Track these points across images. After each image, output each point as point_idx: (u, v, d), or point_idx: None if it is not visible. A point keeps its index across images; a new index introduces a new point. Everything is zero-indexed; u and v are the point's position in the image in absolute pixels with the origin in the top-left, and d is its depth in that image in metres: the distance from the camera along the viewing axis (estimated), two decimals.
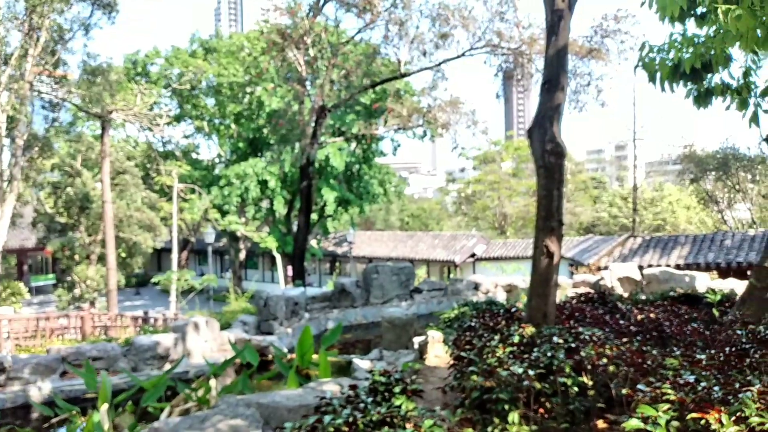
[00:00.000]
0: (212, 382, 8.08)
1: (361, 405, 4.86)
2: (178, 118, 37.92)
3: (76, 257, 28.51)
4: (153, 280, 30.48)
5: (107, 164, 24.36)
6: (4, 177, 20.74)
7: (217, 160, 39.58)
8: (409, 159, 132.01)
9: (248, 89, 33.11)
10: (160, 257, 46.10)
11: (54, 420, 8.08)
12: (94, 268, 28.13)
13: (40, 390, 8.74)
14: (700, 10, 6.07)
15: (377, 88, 26.41)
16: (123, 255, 29.39)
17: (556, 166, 7.56)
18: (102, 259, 26.93)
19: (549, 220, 7.50)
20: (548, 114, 7.63)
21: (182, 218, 33.98)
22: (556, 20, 7.69)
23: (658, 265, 18.29)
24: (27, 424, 8.38)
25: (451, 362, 6.46)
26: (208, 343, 10.91)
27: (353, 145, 33.61)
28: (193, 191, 32.94)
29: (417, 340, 9.46)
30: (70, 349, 9.74)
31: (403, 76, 22.72)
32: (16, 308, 24.83)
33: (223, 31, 41.39)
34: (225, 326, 12.43)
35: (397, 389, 5.32)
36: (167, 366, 9.86)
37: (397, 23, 20.89)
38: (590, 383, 5.42)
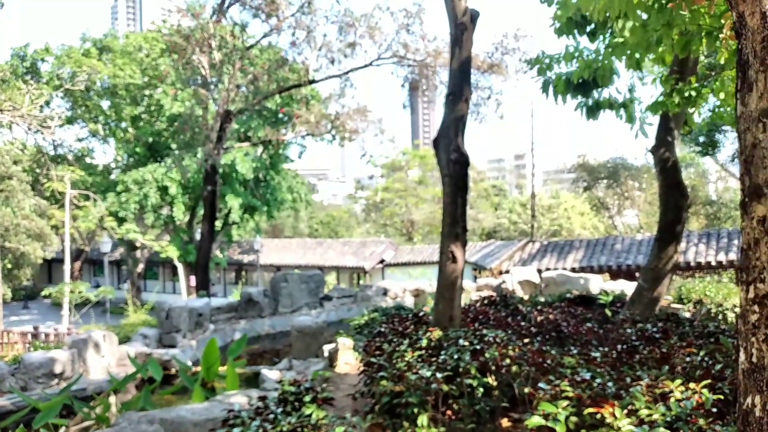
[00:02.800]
0: (112, 399, 7.67)
1: (271, 416, 4.80)
2: (70, 120, 35.63)
3: None
4: (43, 292, 28.44)
5: None
6: None
7: (113, 165, 37.56)
8: (318, 166, 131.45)
9: (147, 92, 31.76)
10: (51, 268, 43.16)
11: None
12: None
13: None
14: (590, 27, 6.52)
15: (284, 94, 26.17)
16: (9, 266, 27.24)
17: (461, 174, 7.82)
18: None
19: (454, 226, 7.73)
20: (453, 124, 7.89)
21: (75, 227, 31.96)
22: (460, 34, 7.97)
23: (556, 269, 19.30)
24: None
25: (362, 368, 6.50)
26: (106, 358, 10.34)
27: (260, 150, 33.03)
28: (87, 198, 31.07)
29: (327, 348, 9.43)
30: None
31: (311, 83, 22.66)
32: None
33: (120, 30, 39.53)
34: (124, 340, 11.84)
35: (307, 398, 5.29)
36: (62, 384, 9.24)
37: (303, 29, 20.83)
38: (495, 383, 5.63)
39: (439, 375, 5.37)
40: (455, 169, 7.78)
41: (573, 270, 19.02)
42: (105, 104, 34.54)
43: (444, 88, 14.31)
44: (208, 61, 21.39)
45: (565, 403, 4.24)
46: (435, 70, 21.35)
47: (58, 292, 25.92)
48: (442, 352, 6.17)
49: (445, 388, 5.37)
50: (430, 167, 48.07)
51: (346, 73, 22.04)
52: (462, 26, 8.00)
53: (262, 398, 5.29)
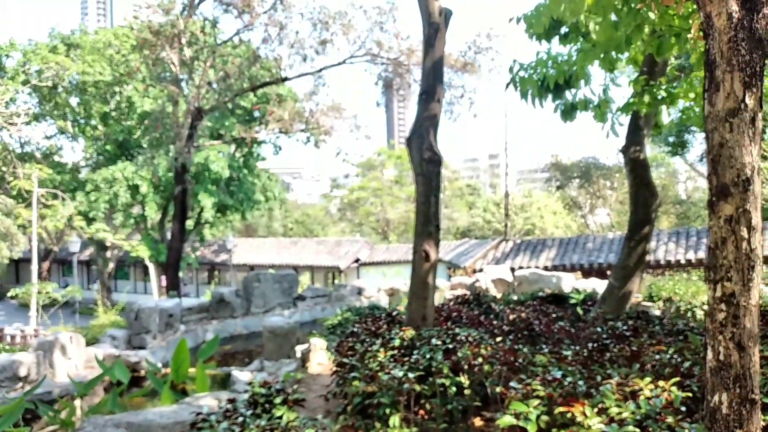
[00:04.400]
0: (77, 403, 7.49)
1: (240, 419, 4.72)
2: (38, 117, 34.83)
3: None
4: (10, 293, 27.74)
5: None
6: None
7: (82, 164, 36.84)
8: (292, 164, 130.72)
9: (117, 89, 31.20)
10: (18, 268, 42.20)
11: None
12: None
13: None
14: (563, 29, 6.55)
15: (259, 92, 25.93)
16: None
17: (434, 173, 7.81)
18: None
19: (427, 225, 7.72)
20: (425, 124, 7.87)
21: (43, 226, 31.27)
22: (433, 33, 7.95)
23: (528, 267, 19.46)
24: None
25: (334, 369, 6.44)
26: (73, 360, 10.10)
27: (233, 148, 32.70)
28: (55, 197, 30.41)
29: (299, 349, 9.34)
30: None
31: (284, 80, 22.48)
32: None
33: (91, 26, 38.80)
34: (92, 341, 11.59)
35: (277, 400, 5.21)
36: (26, 387, 8.99)
37: (276, 26, 20.65)
38: (467, 383, 5.61)
39: (411, 375, 5.34)
40: (428, 168, 7.76)
41: (546, 268, 19.20)
42: (74, 101, 33.86)
43: (418, 86, 14.36)
44: (178, 58, 21.09)
45: (536, 402, 4.24)
46: (409, 69, 21.36)
47: (25, 293, 25.33)
48: (415, 352, 6.14)
49: (418, 387, 5.34)
50: (406, 167, 48.13)
51: (320, 70, 21.94)
52: (435, 25, 7.99)
53: (232, 400, 5.20)
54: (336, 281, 32.37)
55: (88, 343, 11.11)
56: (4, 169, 33.16)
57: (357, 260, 33.61)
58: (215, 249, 38.58)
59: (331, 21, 20.46)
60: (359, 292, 16.18)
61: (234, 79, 22.40)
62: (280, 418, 4.75)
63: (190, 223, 29.77)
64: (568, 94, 6.60)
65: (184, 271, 33.17)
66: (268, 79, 22.58)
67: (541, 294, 11.68)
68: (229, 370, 9.38)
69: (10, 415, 7.31)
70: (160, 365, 9.74)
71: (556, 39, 6.70)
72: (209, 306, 14.59)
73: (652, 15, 5.16)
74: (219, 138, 29.19)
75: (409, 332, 6.96)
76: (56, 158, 36.48)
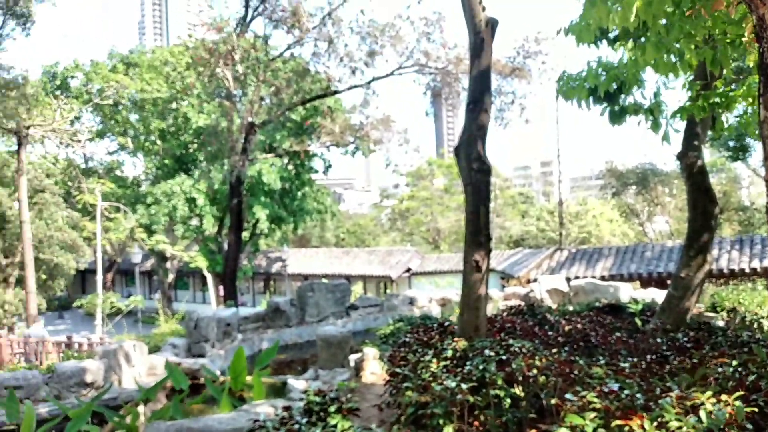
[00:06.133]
0: (141, 408, 7.78)
1: (296, 426, 4.81)
2: (100, 134, 36.54)
3: None
4: (76, 303, 29.08)
5: (24, 182, 23.24)
6: None
7: (142, 178, 38.33)
8: (343, 175, 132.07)
9: (173, 105, 32.37)
10: (84, 279, 44.06)
11: None
12: (12, 292, 26.64)
13: None
14: (613, 34, 6.46)
15: (309, 105, 26.41)
16: (44, 277, 27.95)
17: (483, 183, 7.78)
18: (21, 281, 25.55)
19: (477, 235, 7.69)
20: (474, 133, 7.86)
21: (107, 238, 32.64)
22: (479, 43, 7.95)
23: (585, 277, 19.04)
24: None
25: (387, 379, 6.49)
26: (136, 367, 10.50)
27: (285, 161, 33.37)
28: (117, 210, 31.73)
29: (353, 358, 9.44)
30: None
31: (334, 93, 22.84)
32: None
33: (148, 45, 40.43)
34: (154, 349, 12.00)
35: (332, 408, 5.29)
36: (94, 393, 9.41)
37: (326, 40, 21.02)
38: (522, 394, 5.56)
39: (464, 386, 5.33)
40: (477, 178, 7.75)
41: (602, 278, 18.75)
42: (133, 118, 35.29)
43: (466, 94, 14.43)
44: (232, 74, 21.71)
45: (592, 414, 4.18)
46: (457, 77, 21.35)
47: (91, 303, 26.48)
48: (468, 363, 6.12)
49: (471, 399, 5.32)
50: (456, 176, 47.95)
51: (369, 82, 22.17)
52: (481, 35, 7.99)
53: (287, 408, 5.31)
54: (387, 291, 32.46)
55: (150, 351, 11.50)
56: (70, 184, 34.87)
57: (408, 270, 33.62)
58: (270, 259, 39.34)
59: (380, 33, 20.69)
60: (411, 302, 16.19)
61: (285, 94, 22.91)
62: (335, 426, 4.83)
63: (245, 235, 30.48)
64: (619, 98, 6.50)
65: (241, 280, 33.95)
66: (318, 93, 22.99)
67: (597, 304, 11.43)
68: (284, 378, 9.56)
69: (80, 419, 7.68)
70: (218, 373, 10.01)
71: (605, 43, 6.62)
72: (265, 315, 14.89)
73: (702, 21, 5.05)
74: (272, 151, 29.85)
75: (462, 343, 6.95)
76: (118, 173, 38.11)
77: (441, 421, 5.13)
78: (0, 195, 27.41)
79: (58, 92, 33.55)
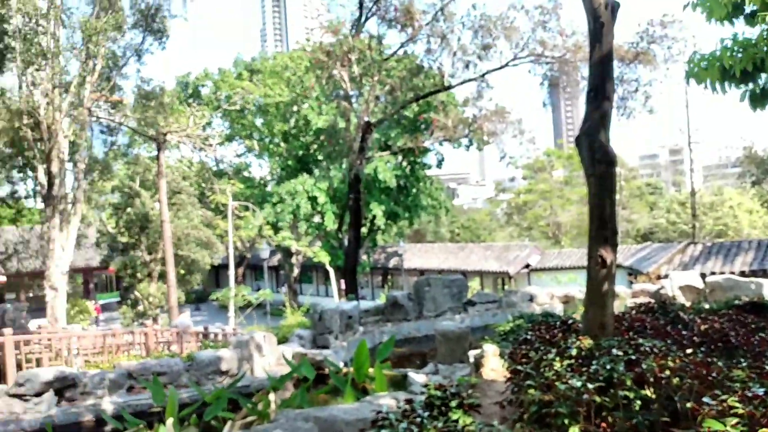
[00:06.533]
0: (271, 396, 8.23)
1: (418, 419, 4.88)
2: (229, 138, 39.05)
3: (138, 275, 29.57)
4: (212, 296, 31.28)
5: (164, 184, 25.23)
6: (69, 199, 21.75)
7: (268, 178, 40.44)
8: (457, 170, 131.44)
9: (294, 108, 33.80)
10: (217, 274, 47.17)
11: None
12: (156, 285, 29.07)
13: (111, 404, 9.10)
14: (749, 8, 5.89)
15: (422, 101, 26.55)
16: (182, 272, 30.24)
17: (607, 174, 7.43)
18: (162, 276, 27.81)
19: (602, 229, 7.37)
20: (595, 122, 7.52)
21: (237, 235, 34.78)
22: (599, 28, 7.59)
23: (722, 273, 17.61)
24: None
25: (508, 376, 6.41)
26: (266, 357, 11.12)
27: (400, 158, 33.80)
28: (246, 209, 33.71)
29: (472, 354, 9.40)
30: (135, 364, 10.10)
31: (447, 88, 22.75)
32: (84, 325, 25.88)
33: (269, 50, 42.60)
34: (282, 340, 12.63)
35: (453, 403, 5.32)
36: (228, 380, 10.09)
37: (439, 36, 21.00)
38: (653, 396, 5.28)
39: (590, 385, 5.15)
40: (600, 169, 7.41)
41: (742, 274, 17.23)
42: (258, 122, 37.32)
43: (586, 83, 13.87)
44: (348, 75, 22.29)
45: (734, 420, 3.89)
46: (576, 66, 20.51)
47: (224, 296, 28.32)
48: (594, 362, 5.90)
49: (598, 399, 5.13)
50: (576, 167, 46.12)
51: (482, 75, 21.89)
52: (601, 20, 7.62)
53: (409, 401, 5.40)
54: (505, 287, 31.92)
55: (279, 342, 12.13)
56: (203, 185, 37.51)
57: (527, 266, 32.83)
58: (388, 254, 40.06)
59: (493, 26, 20.34)
60: (531, 298, 15.82)
61: (399, 92, 23.18)
62: (456, 421, 4.85)
63: (363, 230, 31.25)
64: (759, 79, 5.92)
65: (360, 275, 34.92)
66: (431, 89, 23.03)
67: (737, 302, 10.54)
68: (405, 371, 9.71)
69: (217, 405, 8.28)
70: (341, 364, 10.36)
71: (740, 20, 6.06)
72: (384, 309, 15.21)
73: None
74: (387, 149, 30.34)
75: (587, 341, 6.70)
76: (246, 174, 40.48)
77: (566, 421, 4.99)
78: (143, 197, 30.06)
79: (190, 100, 36.24)
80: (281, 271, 43.18)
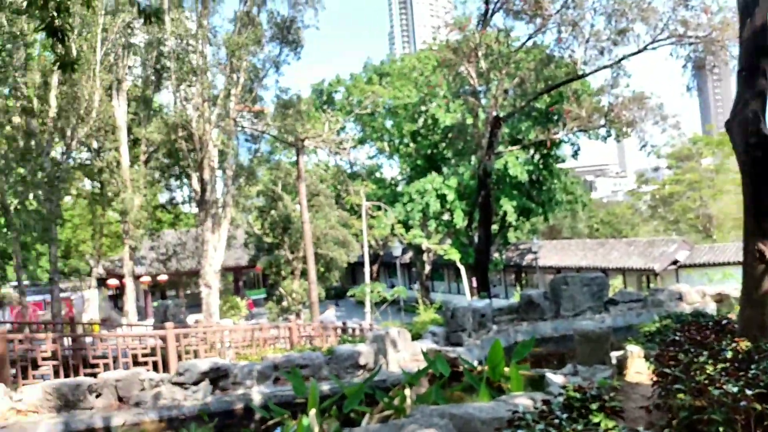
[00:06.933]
0: (407, 391, 8.40)
1: (556, 421, 4.76)
2: (361, 141, 40.36)
3: (282, 273, 31.47)
4: (349, 292, 32.45)
5: (303, 188, 26.53)
6: (219, 204, 23.63)
7: (399, 178, 41.21)
8: (594, 161, 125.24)
9: (422, 108, 34.11)
10: (354, 271, 48.72)
11: (270, 422, 8.99)
12: (298, 282, 30.73)
13: (258, 394, 9.79)
14: None
15: (553, 92, 25.64)
16: (322, 270, 31.69)
17: (762, 160, 6.75)
18: (304, 273, 29.27)
19: (761, 220, 6.71)
20: (749, 104, 6.86)
21: (371, 234, 35.78)
22: (750, 0, 6.91)
23: None
24: (249, 425, 9.43)
25: (654, 379, 6.06)
26: (401, 353, 11.36)
27: (531, 152, 32.93)
28: (379, 208, 34.60)
29: (615, 355, 8.97)
30: (281, 357, 10.75)
31: (580, 77, 21.79)
32: (235, 320, 27.98)
33: (397, 52, 43.47)
34: (416, 337, 12.81)
35: (594, 406, 5.12)
36: (365, 374, 10.44)
37: (569, 24, 20.17)
38: None
39: (749, 391, 4.73)
40: (756, 155, 6.74)
41: None
42: (388, 124, 38.18)
43: (737, 63, 12.62)
44: (475, 71, 22.08)
45: None
46: (723, 45, 18.71)
47: (360, 292, 29.25)
48: (752, 366, 5.41)
49: (758, 407, 4.70)
50: (728, 153, 42.19)
51: (618, 61, 20.70)
52: None
53: (546, 402, 5.28)
54: (651, 285, 29.95)
55: (413, 338, 12.32)
56: (339, 187, 39.02)
57: (675, 262, 30.58)
58: (520, 251, 39.19)
59: (628, 9, 19.18)
60: (679, 297, 14.75)
61: (529, 84, 22.58)
62: (598, 425, 4.68)
63: (494, 227, 30.84)
64: None
65: (492, 273, 34.50)
66: (563, 78, 22.19)
67: None
68: (542, 372, 9.49)
69: (355, 397, 8.61)
70: (475, 362, 10.34)
71: None
72: (518, 307, 14.93)
73: None
74: (517, 143, 29.69)
75: (744, 344, 6.15)
76: (377, 175, 41.58)
77: (721, 429, 4.63)
78: (285, 200, 31.89)
79: (325, 106, 37.90)
80: (413, 269, 43.78)
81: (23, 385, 10.00)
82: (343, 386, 9.14)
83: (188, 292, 42.92)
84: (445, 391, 8.88)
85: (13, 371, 11.00)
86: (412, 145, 36.91)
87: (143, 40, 25.84)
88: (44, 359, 11.40)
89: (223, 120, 23.04)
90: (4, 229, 22.93)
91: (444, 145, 34.11)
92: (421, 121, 34.83)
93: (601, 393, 5.50)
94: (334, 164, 41.46)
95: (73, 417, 8.61)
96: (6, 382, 9.73)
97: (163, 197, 33.16)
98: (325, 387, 9.81)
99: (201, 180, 22.94)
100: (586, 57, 20.77)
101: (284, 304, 30.30)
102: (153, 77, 27.47)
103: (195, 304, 28.66)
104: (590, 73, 21.46)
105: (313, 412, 8.18)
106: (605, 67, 20.93)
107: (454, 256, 33.94)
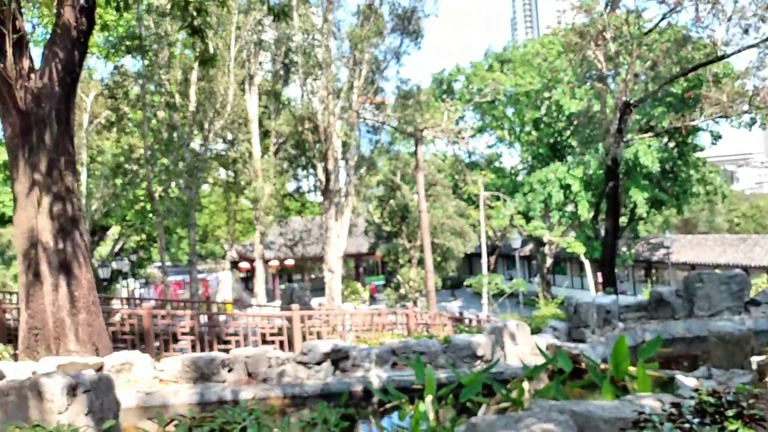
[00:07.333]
0: (526, 385, 8.28)
1: (686, 425, 4.51)
2: (480, 130, 39.87)
3: (400, 261, 32.03)
4: (465, 282, 32.40)
5: (421, 177, 26.78)
6: (342, 193, 24.46)
7: (519, 167, 40.31)
8: (737, 150, 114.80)
9: (546, 94, 33.05)
10: (471, 261, 48.52)
11: (388, 405, 9.24)
12: (415, 271, 31.15)
13: (376, 378, 10.08)
14: None
15: (690, 75, 23.77)
16: (438, 259, 31.88)
17: None
18: (421, 262, 29.63)
19: None
20: None
21: (489, 225, 35.39)
22: None
23: None
24: (368, 407, 9.75)
25: None
26: (519, 346, 11.20)
27: (665, 140, 30.84)
28: (497, 198, 34.10)
29: (755, 360, 8.25)
30: (398, 343, 10.99)
31: (721, 58, 20.03)
32: (355, 305, 28.93)
33: (519, 38, 42.44)
34: (535, 331, 12.57)
35: (730, 413, 4.78)
36: (480, 365, 10.41)
37: (709, 1, 18.57)
38: None
39: None
40: None
41: None
42: (509, 112, 37.43)
43: None
44: (603, 54, 21.02)
45: None
46: None
47: (477, 283, 29.12)
48: None
49: None
50: None
51: (765, 40, 18.78)
52: None
53: (676, 405, 5.00)
54: None
55: (532, 332, 12.08)
56: (456, 177, 38.93)
57: None
58: (651, 246, 36.94)
59: None
60: None
61: (663, 67, 21.14)
62: None
63: (623, 220, 29.33)
64: None
65: (619, 268, 32.87)
66: (701, 60, 20.54)
67: None
68: (672, 373, 8.95)
69: (472, 387, 8.61)
70: (598, 360, 9.95)
71: None
72: (647, 305, 14.11)
73: None
74: (649, 130, 27.96)
75: None
76: (497, 164, 40.97)
77: None
78: (404, 189, 32.34)
79: (444, 96, 37.82)
80: (533, 261, 42.73)
81: (165, 356, 10.99)
82: (460, 375, 9.18)
83: (312, 276, 44.90)
84: (566, 387, 8.65)
85: (157, 344, 12.15)
86: (534, 133, 35.93)
87: (273, 36, 27.24)
88: (183, 334, 12.49)
89: (345, 112, 23.78)
90: (150, 215, 25.24)
91: (568, 132, 32.89)
92: (544, 108, 33.81)
93: (739, 399, 5.12)
94: (453, 154, 41.30)
95: (207, 389, 9.35)
96: (151, 353, 10.77)
97: (290, 186, 34.92)
98: (442, 375, 9.89)
99: (325, 170, 23.87)
100: (727, 36, 19.04)
101: (401, 291, 30.84)
102: (281, 72, 28.92)
103: (318, 288, 29.99)
104: (732, 54, 19.65)
105: (429, 398, 8.30)
106: (750, 46, 19.07)
107: (578, 249, 32.72)
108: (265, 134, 29.37)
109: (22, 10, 9.58)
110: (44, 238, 9.21)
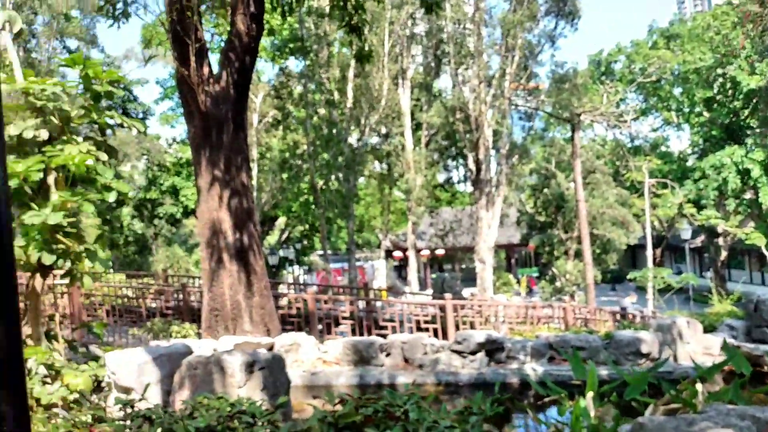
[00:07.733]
0: (699, 386, 7.72)
1: None
2: (644, 112, 37.23)
3: (555, 252, 31.00)
4: (628, 276, 30.65)
5: (578, 165, 25.69)
6: (493, 183, 24.21)
7: (688, 152, 37.14)
8: None
9: (719, 71, 30.04)
10: (634, 254, 45.71)
11: (546, 399, 9.06)
12: (572, 263, 30.00)
13: (532, 371, 9.93)
14: None
15: None
16: (597, 251, 30.42)
17: None
18: (578, 254, 28.52)
19: None
20: None
21: (655, 214, 33.08)
22: None
23: None
24: (523, 399, 9.65)
25: None
26: (690, 345, 10.42)
27: None
28: (665, 186, 31.72)
29: None
30: (555, 336, 10.71)
31: None
32: (508, 296, 28.56)
33: (687, 12, 39.02)
34: (708, 329, 11.63)
35: None
36: (645, 363, 9.85)
37: None
38: None
39: None
40: None
41: None
42: (677, 91, 34.57)
43: None
44: None
45: None
46: None
47: (642, 277, 27.40)
48: None
49: None
50: None
51: None
52: None
53: None
54: None
55: (705, 331, 11.18)
56: (617, 163, 36.79)
57: None
58: None
59: None
60: None
61: None
62: None
63: None
64: None
65: None
66: None
67: None
68: None
69: (637, 385, 8.17)
70: None
71: None
72: None
73: None
74: None
75: None
76: (663, 149, 38.03)
77: None
78: (559, 178, 31.20)
79: (603, 78, 35.80)
80: (705, 254, 39.16)
81: (327, 338, 11.70)
82: (624, 373, 8.76)
83: (463, 266, 45.00)
84: (746, 391, 7.92)
85: (320, 327, 12.97)
86: (705, 113, 32.84)
87: (424, 29, 27.60)
88: (344, 318, 13.20)
89: (497, 100, 23.48)
90: (313, 206, 26.92)
91: (747, 112, 29.65)
92: (717, 85, 30.79)
93: None
94: (613, 138, 38.99)
95: (367, 372, 9.82)
96: (315, 335, 11.53)
97: (441, 177, 35.24)
98: (603, 372, 9.50)
99: (476, 160, 23.78)
100: None
101: (557, 284, 29.86)
102: (433, 64, 29.22)
103: (469, 278, 30.01)
104: None
105: (590, 395, 8.02)
106: None
107: (759, 241, 29.49)
108: (417, 126, 29.89)
109: (202, 21, 10.64)
110: (224, 229, 10.24)
